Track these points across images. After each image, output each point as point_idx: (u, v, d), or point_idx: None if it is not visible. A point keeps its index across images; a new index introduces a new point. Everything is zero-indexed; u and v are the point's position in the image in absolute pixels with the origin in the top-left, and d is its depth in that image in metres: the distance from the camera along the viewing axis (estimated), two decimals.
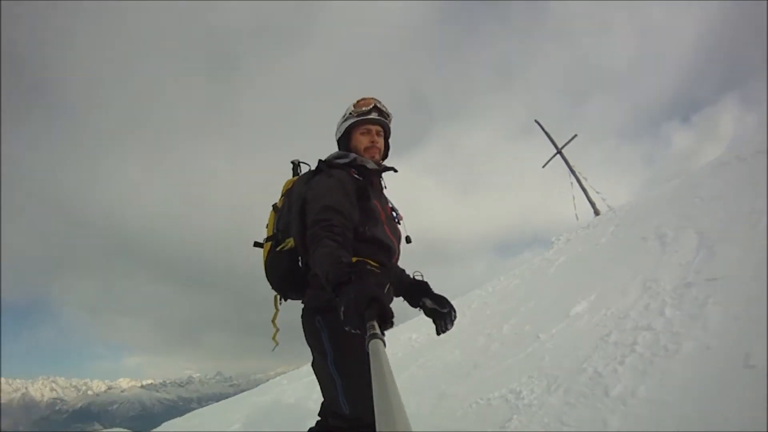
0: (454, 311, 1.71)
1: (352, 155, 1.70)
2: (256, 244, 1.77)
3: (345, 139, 1.75)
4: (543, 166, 14.68)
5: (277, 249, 1.66)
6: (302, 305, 1.69)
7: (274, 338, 1.80)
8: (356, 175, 1.64)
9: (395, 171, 1.77)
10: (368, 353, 0.85)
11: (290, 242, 1.64)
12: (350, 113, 1.70)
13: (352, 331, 1.06)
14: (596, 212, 11.61)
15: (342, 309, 1.09)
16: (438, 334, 1.71)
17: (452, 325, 1.70)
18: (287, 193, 1.75)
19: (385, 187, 1.83)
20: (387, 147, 1.82)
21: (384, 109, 1.72)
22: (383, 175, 1.80)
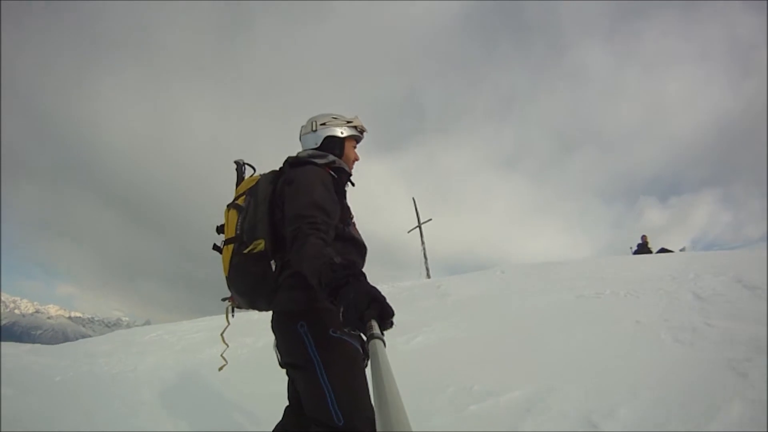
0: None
1: (331, 157, 1.70)
2: (215, 248, 1.66)
3: (333, 143, 1.75)
4: (408, 232, 17.28)
5: (245, 252, 1.54)
6: (273, 312, 1.58)
7: (222, 356, 1.74)
8: (332, 173, 1.66)
9: (353, 185, 1.79)
10: (369, 353, 0.86)
11: (260, 244, 1.53)
12: (356, 126, 1.78)
13: (352, 331, 1.05)
14: (428, 276, 14.82)
15: (341, 310, 1.07)
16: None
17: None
18: (251, 192, 1.65)
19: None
20: None
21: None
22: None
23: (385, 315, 1.04)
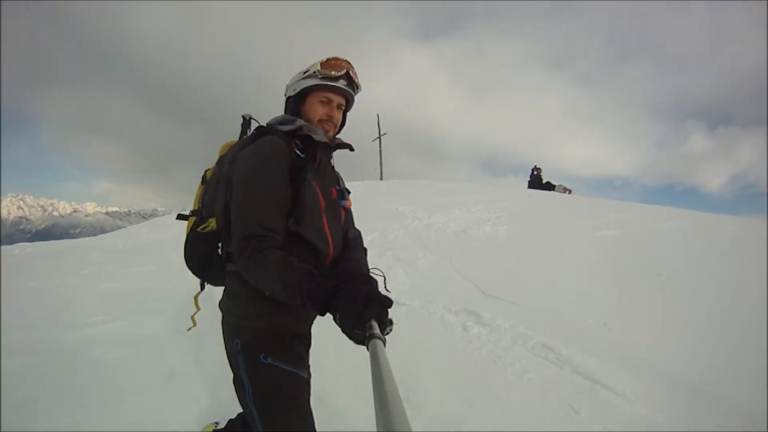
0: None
1: (299, 122, 1.38)
2: (180, 217, 1.55)
3: (297, 101, 1.42)
4: (372, 141, 19.65)
5: (198, 229, 1.42)
6: (222, 309, 1.47)
7: (192, 318, 1.64)
8: (297, 151, 1.35)
9: (351, 149, 1.50)
10: (369, 353, 0.83)
11: (212, 223, 1.39)
12: (314, 72, 1.37)
13: (352, 333, 0.98)
14: (381, 178, 17.33)
15: (337, 315, 1.02)
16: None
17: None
18: (219, 163, 1.47)
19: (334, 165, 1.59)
20: (344, 121, 1.50)
21: (355, 78, 1.41)
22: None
23: (384, 314, 1.01)
